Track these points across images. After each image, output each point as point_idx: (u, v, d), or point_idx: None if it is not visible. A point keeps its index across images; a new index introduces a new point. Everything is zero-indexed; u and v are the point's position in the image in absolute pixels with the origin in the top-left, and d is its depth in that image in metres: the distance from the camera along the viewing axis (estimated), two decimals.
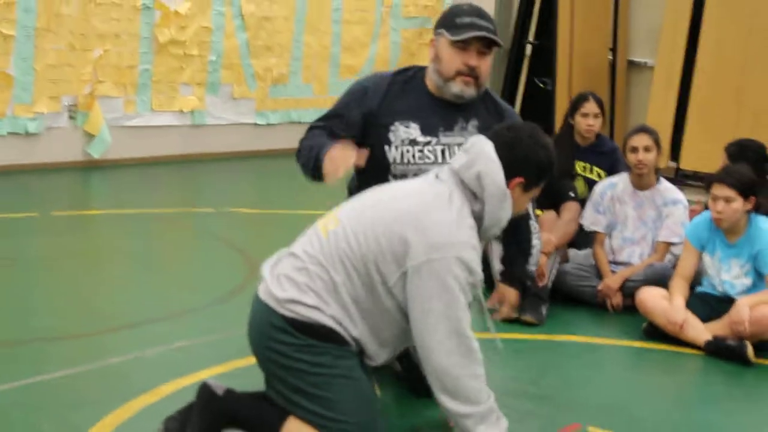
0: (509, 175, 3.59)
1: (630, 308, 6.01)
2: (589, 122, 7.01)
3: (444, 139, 4.28)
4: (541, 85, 11.91)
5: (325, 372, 3.49)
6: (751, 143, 6.69)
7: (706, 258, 5.78)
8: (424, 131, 4.26)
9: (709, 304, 5.69)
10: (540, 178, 3.71)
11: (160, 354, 4.91)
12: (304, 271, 3.54)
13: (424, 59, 13.04)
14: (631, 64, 12.51)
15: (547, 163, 3.69)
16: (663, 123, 9.03)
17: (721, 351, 5.43)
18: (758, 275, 5.62)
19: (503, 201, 3.60)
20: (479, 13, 4.26)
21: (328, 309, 3.50)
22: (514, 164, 3.60)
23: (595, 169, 7.02)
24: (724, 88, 10.77)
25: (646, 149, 6.35)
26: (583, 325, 5.92)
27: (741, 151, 6.54)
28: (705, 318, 5.61)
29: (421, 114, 4.28)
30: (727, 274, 5.71)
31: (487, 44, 4.20)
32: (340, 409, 3.49)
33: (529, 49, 12.10)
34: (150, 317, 5.46)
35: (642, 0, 12.37)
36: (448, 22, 4.25)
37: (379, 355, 3.65)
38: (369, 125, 4.29)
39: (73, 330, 5.22)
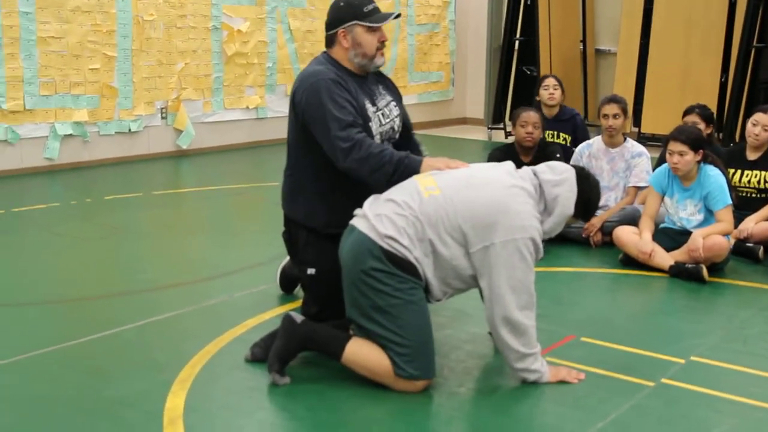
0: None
1: (608, 243, 5.97)
2: (550, 92, 7.15)
3: (380, 104, 4.08)
4: (528, 72, 11.82)
5: (403, 297, 3.52)
6: (702, 108, 6.59)
7: (667, 200, 5.74)
8: (371, 103, 4.03)
9: (671, 237, 5.66)
10: (583, 216, 3.86)
11: (244, 296, 4.92)
12: (404, 217, 3.54)
13: (434, 57, 13.08)
14: (598, 52, 12.42)
15: (594, 208, 3.88)
16: (626, 97, 8.93)
17: (681, 273, 5.39)
18: (708, 212, 5.58)
19: (562, 223, 3.73)
20: None
21: (415, 251, 3.52)
22: (579, 201, 3.72)
23: (561, 134, 7.11)
24: (671, 68, 10.71)
25: (615, 116, 6.33)
26: (572, 258, 5.88)
27: (697, 113, 6.46)
28: (668, 248, 5.58)
29: (362, 91, 4.02)
30: (684, 212, 5.66)
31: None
32: (405, 327, 3.52)
33: (517, 44, 11.98)
34: (234, 269, 5.47)
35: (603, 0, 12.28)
36: (358, 12, 3.96)
37: (439, 295, 3.68)
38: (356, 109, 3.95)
39: (174, 281, 5.23)
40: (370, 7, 4.00)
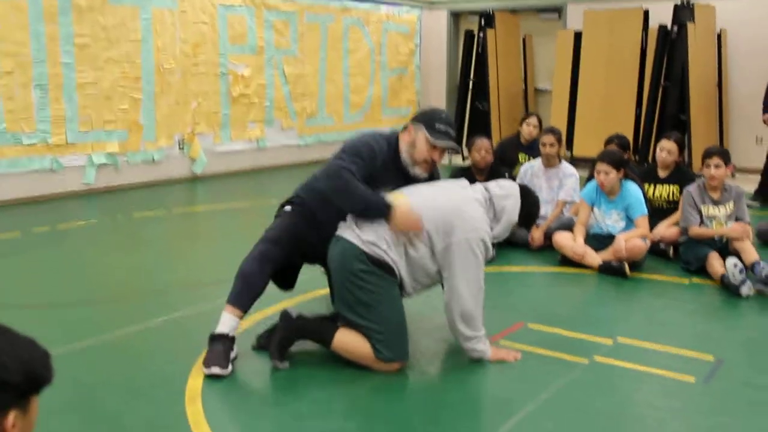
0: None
1: (548, 247, 6.00)
2: (530, 129, 7.22)
3: None
4: (480, 107, 11.87)
5: (382, 292, 3.53)
6: (621, 137, 6.68)
7: (596, 210, 5.78)
8: (396, 189, 3.75)
9: (599, 240, 5.70)
10: (526, 225, 3.88)
11: None
12: (382, 227, 3.55)
13: (403, 95, 13.02)
14: (537, 90, 12.50)
15: (534, 219, 3.92)
16: (560, 128, 9.01)
17: (608, 270, 5.43)
18: (629, 219, 5.63)
19: (509, 229, 3.75)
20: (451, 122, 3.79)
21: (391, 253, 3.54)
22: (522, 213, 3.76)
23: (531, 159, 7.15)
24: (596, 103, 10.80)
25: (551, 145, 6.37)
26: (519, 259, 5.91)
27: (617, 140, 6.56)
28: (597, 249, 5.62)
29: (394, 176, 3.78)
30: (609, 220, 5.70)
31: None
32: (384, 316, 3.54)
33: (470, 84, 12.03)
34: None
35: (541, 47, 12.34)
36: (428, 122, 3.74)
37: (410, 290, 3.69)
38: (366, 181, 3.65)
39: (190, 283, 5.21)
40: (443, 128, 3.74)
